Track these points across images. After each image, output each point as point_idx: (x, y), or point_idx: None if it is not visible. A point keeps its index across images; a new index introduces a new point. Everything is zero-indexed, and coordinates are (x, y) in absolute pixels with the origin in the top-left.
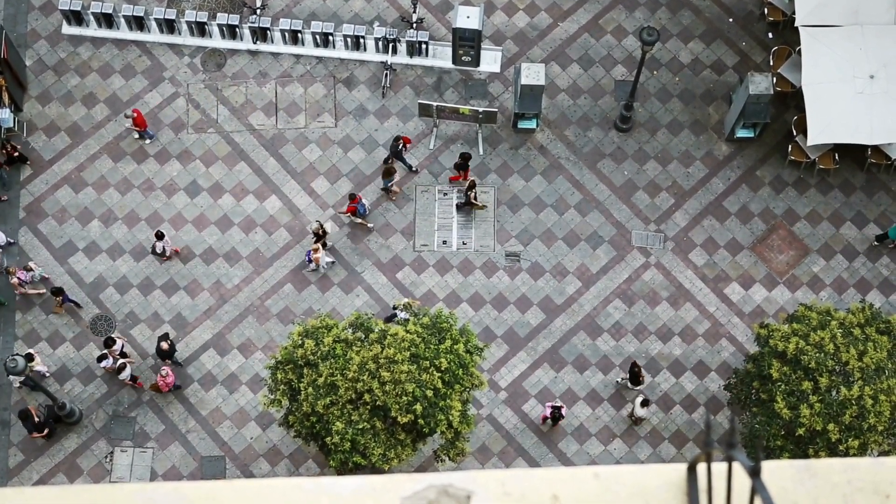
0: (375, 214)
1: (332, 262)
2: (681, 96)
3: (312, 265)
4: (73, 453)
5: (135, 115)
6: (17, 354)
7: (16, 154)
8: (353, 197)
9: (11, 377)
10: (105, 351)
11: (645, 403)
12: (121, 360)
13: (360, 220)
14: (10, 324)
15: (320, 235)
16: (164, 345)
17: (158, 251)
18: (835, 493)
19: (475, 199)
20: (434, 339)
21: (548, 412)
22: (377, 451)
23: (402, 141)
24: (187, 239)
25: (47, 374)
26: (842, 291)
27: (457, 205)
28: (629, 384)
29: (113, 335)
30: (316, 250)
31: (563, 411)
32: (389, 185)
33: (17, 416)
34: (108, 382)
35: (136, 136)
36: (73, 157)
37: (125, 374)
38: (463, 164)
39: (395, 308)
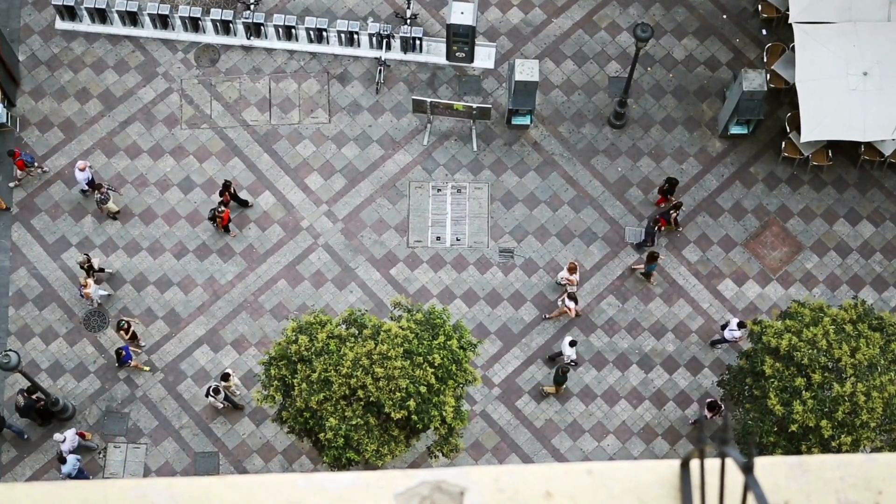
0: (370, 210)
1: (109, 294)
2: (675, 93)
3: (86, 301)
4: None
5: None
6: (11, 350)
7: (234, 195)
8: (12, 153)
9: (211, 398)
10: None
11: None
12: None
13: (33, 170)
14: (2, 320)
15: (87, 270)
16: None
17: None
18: (827, 490)
19: (677, 221)
20: (427, 335)
21: (705, 412)
22: (371, 447)
23: (660, 223)
24: (181, 235)
25: (237, 393)
26: (835, 288)
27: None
28: None
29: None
30: (86, 285)
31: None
32: (653, 269)
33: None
34: (101, 378)
35: None
36: (67, 152)
37: None
38: (670, 189)
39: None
